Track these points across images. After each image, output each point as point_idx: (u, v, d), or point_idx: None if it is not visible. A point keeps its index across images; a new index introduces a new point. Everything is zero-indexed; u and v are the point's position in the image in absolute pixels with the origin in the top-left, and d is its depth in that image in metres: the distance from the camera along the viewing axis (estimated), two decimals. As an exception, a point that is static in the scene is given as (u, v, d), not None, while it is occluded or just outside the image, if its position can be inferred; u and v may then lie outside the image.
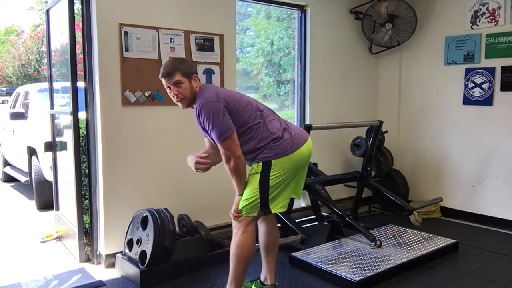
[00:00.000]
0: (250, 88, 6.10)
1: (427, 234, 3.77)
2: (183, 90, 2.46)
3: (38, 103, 5.67)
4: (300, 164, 2.52)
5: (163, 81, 2.50)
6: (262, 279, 2.76)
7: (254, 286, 2.76)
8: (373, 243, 3.44)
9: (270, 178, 2.43)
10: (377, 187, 4.14)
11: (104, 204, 3.26)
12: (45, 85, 4.92)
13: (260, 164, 2.45)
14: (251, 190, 2.46)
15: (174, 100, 2.52)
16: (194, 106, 2.49)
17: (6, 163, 7.01)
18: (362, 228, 3.59)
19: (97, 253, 3.39)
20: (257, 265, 2.84)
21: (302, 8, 4.44)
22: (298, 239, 3.33)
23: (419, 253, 3.31)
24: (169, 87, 2.49)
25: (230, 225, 3.91)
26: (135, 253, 3.08)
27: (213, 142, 2.54)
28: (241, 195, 2.51)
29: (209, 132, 2.44)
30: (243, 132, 2.45)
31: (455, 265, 3.30)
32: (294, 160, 2.47)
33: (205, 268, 3.19)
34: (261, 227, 2.71)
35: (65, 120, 3.85)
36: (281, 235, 3.43)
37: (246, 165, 2.52)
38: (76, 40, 3.29)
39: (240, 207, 2.49)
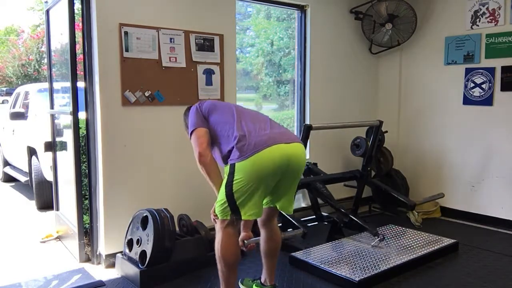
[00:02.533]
0: (250, 88, 6.10)
1: (427, 234, 3.77)
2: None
3: (38, 103, 5.67)
4: (267, 169, 2.29)
5: None
6: (262, 280, 2.77)
7: (255, 286, 2.77)
8: (376, 237, 3.44)
9: (234, 182, 2.31)
10: (377, 185, 4.15)
11: (104, 204, 3.26)
12: (45, 85, 4.92)
13: (228, 167, 2.39)
14: (220, 193, 2.40)
15: None
16: None
17: (6, 163, 7.01)
18: (364, 223, 3.59)
19: (97, 253, 3.39)
20: (257, 265, 2.83)
21: (302, 8, 4.44)
22: (300, 233, 3.32)
23: (419, 253, 3.31)
24: None
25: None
26: (135, 253, 3.08)
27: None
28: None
29: None
30: (215, 134, 2.49)
31: (455, 265, 3.30)
32: (256, 165, 2.27)
33: (205, 268, 3.19)
34: (262, 233, 2.69)
35: (65, 120, 3.85)
36: (281, 229, 3.43)
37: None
38: (76, 40, 3.29)
39: (215, 209, 2.45)
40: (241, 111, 2.55)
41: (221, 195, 2.39)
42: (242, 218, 2.38)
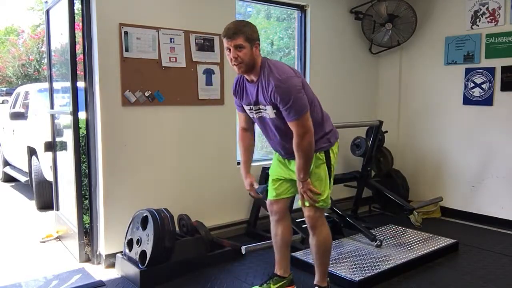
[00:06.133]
0: (250, 88, 6.08)
1: (427, 234, 3.77)
2: (243, 55, 2.29)
3: (38, 103, 5.67)
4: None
5: (225, 41, 2.32)
6: (280, 273, 2.77)
7: (273, 284, 2.74)
8: (373, 243, 3.44)
9: (332, 168, 2.51)
10: (377, 187, 4.14)
11: (104, 204, 3.26)
12: (45, 85, 4.92)
13: (323, 154, 2.47)
14: (325, 181, 2.47)
15: (231, 63, 2.35)
16: (250, 75, 2.38)
17: (6, 163, 7.01)
18: (362, 227, 3.59)
19: (97, 253, 3.39)
20: (257, 265, 2.82)
21: (302, 8, 4.44)
22: (298, 239, 3.33)
23: (419, 253, 3.31)
24: (229, 49, 2.32)
25: (230, 225, 3.94)
26: (135, 253, 3.08)
27: (252, 118, 2.54)
28: (305, 179, 2.40)
29: (281, 108, 2.28)
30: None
31: (455, 265, 3.30)
32: (336, 150, 2.56)
33: (205, 268, 3.19)
34: (275, 229, 2.74)
35: (65, 120, 3.85)
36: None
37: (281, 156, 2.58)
38: (76, 40, 3.29)
39: (319, 202, 2.46)
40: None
41: (326, 183, 2.47)
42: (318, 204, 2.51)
